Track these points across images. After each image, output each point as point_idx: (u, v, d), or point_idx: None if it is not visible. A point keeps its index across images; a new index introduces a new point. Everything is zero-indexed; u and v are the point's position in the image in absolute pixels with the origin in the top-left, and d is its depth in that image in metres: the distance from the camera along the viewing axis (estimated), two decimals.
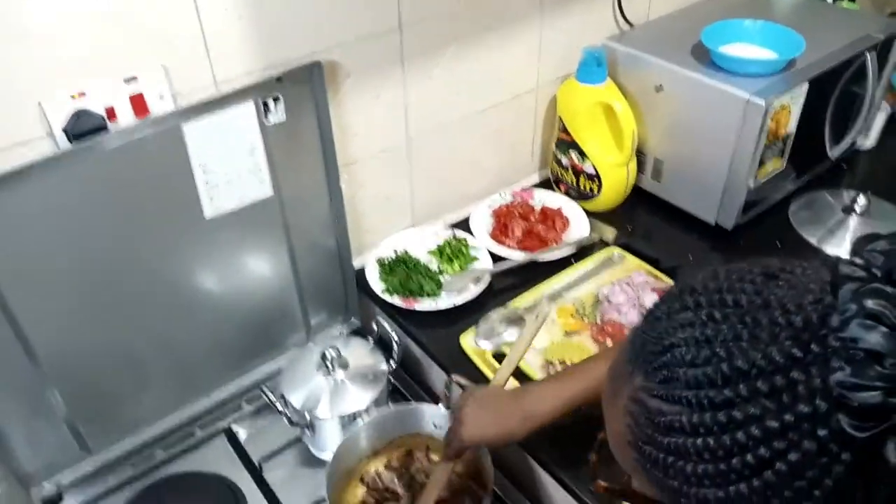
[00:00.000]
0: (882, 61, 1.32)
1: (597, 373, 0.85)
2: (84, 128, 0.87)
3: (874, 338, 0.32)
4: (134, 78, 0.90)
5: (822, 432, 0.34)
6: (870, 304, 0.33)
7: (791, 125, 1.22)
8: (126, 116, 0.91)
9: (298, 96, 1.02)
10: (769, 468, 0.35)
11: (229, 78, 0.98)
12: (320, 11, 1.01)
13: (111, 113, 0.90)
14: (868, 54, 1.27)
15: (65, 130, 0.87)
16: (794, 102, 1.18)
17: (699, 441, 0.38)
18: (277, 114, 1.02)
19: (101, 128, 0.88)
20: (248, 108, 0.99)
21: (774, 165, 1.25)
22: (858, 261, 0.36)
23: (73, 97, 0.87)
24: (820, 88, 1.23)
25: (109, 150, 0.89)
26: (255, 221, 1.07)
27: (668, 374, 0.40)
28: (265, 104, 1.00)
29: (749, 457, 0.36)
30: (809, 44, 1.22)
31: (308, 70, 1.01)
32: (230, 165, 1.01)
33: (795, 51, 1.19)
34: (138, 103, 0.91)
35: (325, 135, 1.07)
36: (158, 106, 0.93)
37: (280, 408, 1.06)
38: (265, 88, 0.98)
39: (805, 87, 1.18)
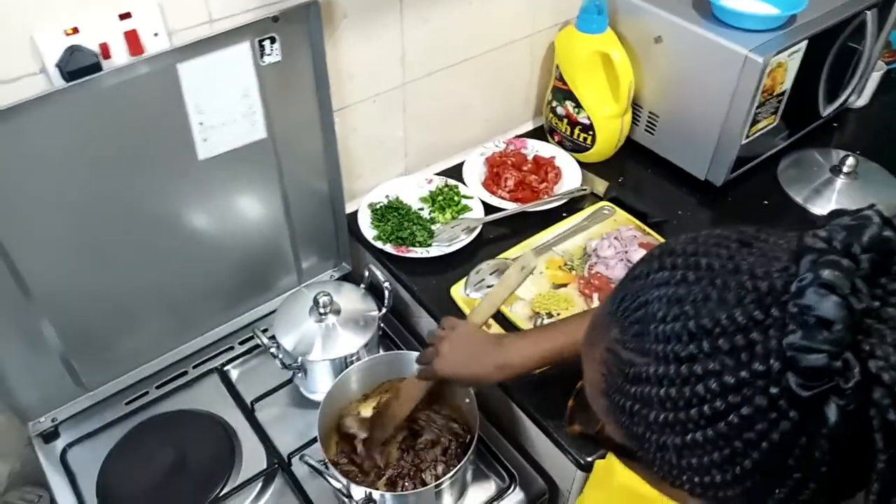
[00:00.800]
0: (882, 20, 1.32)
1: (577, 331, 0.86)
2: (78, 64, 0.85)
3: (826, 305, 0.35)
4: (128, 14, 0.88)
5: (773, 390, 0.36)
6: (825, 273, 0.36)
7: (787, 83, 1.22)
8: (120, 54, 0.89)
9: (294, 36, 1.00)
10: (723, 420, 0.38)
11: (225, 15, 0.96)
12: None
13: (105, 50, 0.88)
14: (868, 12, 1.26)
15: (58, 66, 0.85)
16: (791, 60, 1.18)
17: (662, 391, 0.40)
18: (273, 54, 1.00)
19: (94, 65, 0.86)
20: (243, 48, 0.97)
21: (767, 122, 1.26)
22: (822, 233, 0.38)
23: (66, 33, 0.84)
24: (818, 46, 1.23)
25: (103, 89, 0.87)
26: (248, 163, 1.07)
27: (640, 329, 0.42)
28: (261, 44, 0.98)
29: (706, 408, 0.39)
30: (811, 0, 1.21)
31: (305, 9, 0.99)
32: (225, 106, 0.99)
33: (797, 6, 1.18)
34: (133, 40, 0.89)
35: (321, 76, 1.06)
36: (153, 44, 0.91)
37: (273, 351, 1.08)
38: (261, 28, 0.96)
39: (804, 44, 1.18)
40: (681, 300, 0.41)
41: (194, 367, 1.19)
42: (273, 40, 0.98)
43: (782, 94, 1.23)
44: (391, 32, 1.14)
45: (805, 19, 1.21)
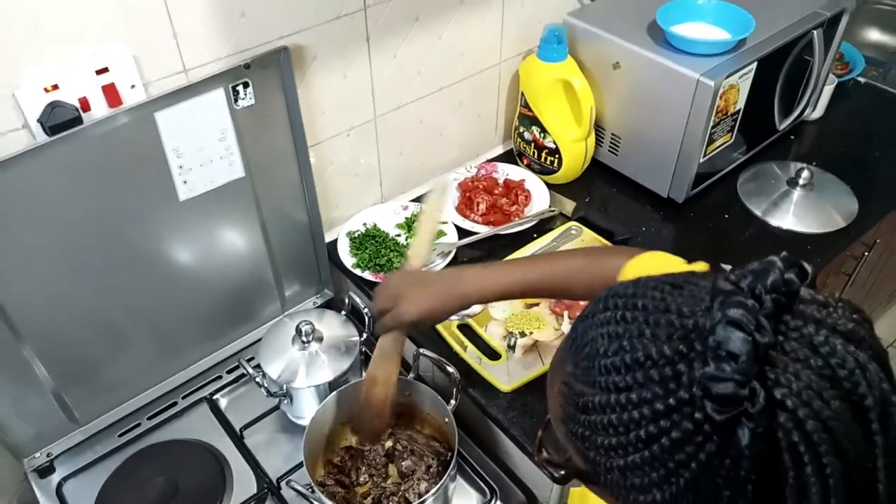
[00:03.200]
0: (829, 38, 1.38)
1: (535, 269, 0.90)
2: (59, 119, 0.89)
3: (733, 340, 0.39)
4: (105, 69, 0.93)
5: (697, 415, 0.41)
6: (731, 312, 0.40)
7: (740, 102, 1.28)
8: (99, 107, 0.94)
9: (267, 80, 1.05)
10: (656, 442, 0.43)
11: (198, 65, 1.01)
12: None
13: (84, 104, 0.93)
14: (815, 32, 1.33)
15: (40, 122, 0.90)
16: (742, 81, 1.24)
17: (606, 418, 0.45)
18: (247, 98, 1.05)
19: (75, 118, 0.91)
20: (218, 95, 1.02)
21: (724, 140, 1.32)
22: (732, 277, 0.43)
23: (46, 90, 0.89)
24: (769, 65, 1.29)
25: (85, 140, 0.92)
26: (227, 201, 1.12)
27: (588, 363, 0.47)
28: (234, 90, 1.03)
29: (641, 432, 0.43)
30: (760, 22, 1.27)
31: (275, 55, 1.04)
32: (202, 150, 1.04)
33: (745, 30, 1.25)
34: (111, 93, 0.94)
35: (294, 116, 1.11)
36: (130, 95, 0.96)
37: (258, 380, 1.12)
38: (234, 75, 1.01)
39: (754, 66, 1.24)
40: (619, 336, 0.45)
41: (184, 397, 1.24)
42: (246, 85, 1.04)
43: (736, 112, 1.29)
44: (360, 69, 1.20)
45: (754, 41, 1.27)
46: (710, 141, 1.28)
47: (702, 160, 1.29)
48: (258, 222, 1.18)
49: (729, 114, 1.27)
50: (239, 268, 1.21)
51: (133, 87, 0.97)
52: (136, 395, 1.20)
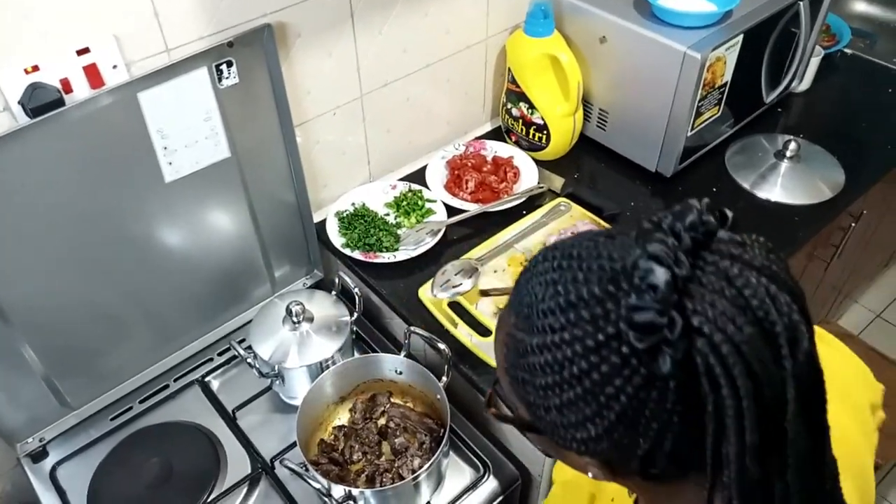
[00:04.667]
0: (815, 8, 1.38)
1: None
2: (40, 101, 0.88)
3: (653, 273, 0.42)
4: (86, 49, 0.91)
5: (624, 350, 0.44)
6: (651, 247, 0.43)
7: (727, 75, 1.28)
8: (81, 88, 0.93)
9: (251, 59, 1.04)
10: (588, 377, 0.45)
11: (181, 44, 1.00)
12: None
13: (66, 85, 0.91)
14: (801, 3, 1.32)
15: (21, 104, 0.88)
16: (729, 53, 1.24)
17: (542, 358, 0.48)
18: (231, 77, 1.04)
19: (57, 100, 0.89)
20: (201, 74, 1.00)
21: (711, 113, 1.32)
22: (654, 218, 0.46)
23: (26, 71, 0.88)
24: (755, 37, 1.29)
25: (67, 122, 0.90)
26: (214, 182, 1.11)
27: (528, 311, 0.49)
28: (218, 69, 1.02)
29: (574, 368, 0.46)
30: None
31: (259, 33, 1.03)
32: (187, 130, 1.03)
33: (732, 2, 1.24)
34: (92, 74, 0.93)
35: (279, 95, 1.10)
36: (112, 76, 0.95)
37: (250, 361, 1.12)
38: (217, 53, 1.00)
39: (740, 38, 1.24)
40: (555, 282, 0.48)
41: (175, 380, 1.24)
42: (230, 64, 1.02)
43: (724, 85, 1.29)
44: (345, 47, 1.19)
45: (741, 13, 1.27)
46: (698, 114, 1.28)
47: (689, 134, 1.29)
48: (246, 203, 1.17)
49: (716, 87, 1.27)
50: (228, 249, 1.20)
51: (115, 67, 0.96)
52: (127, 378, 1.20)
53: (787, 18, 1.34)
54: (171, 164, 1.04)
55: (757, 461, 0.44)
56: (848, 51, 1.72)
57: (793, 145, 1.37)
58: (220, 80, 1.03)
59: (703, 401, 0.43)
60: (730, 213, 0.47)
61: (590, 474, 0.54)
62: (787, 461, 0.45)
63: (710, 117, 1.32)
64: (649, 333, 0.42)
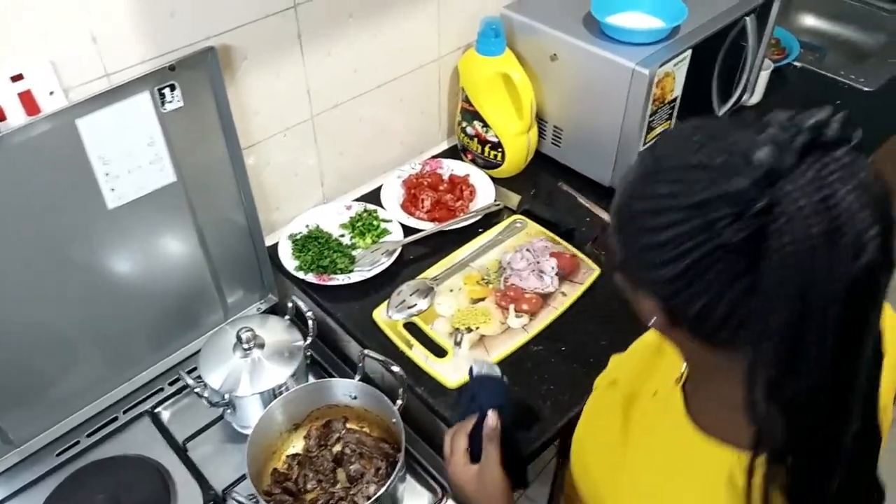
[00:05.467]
0: (762, 23, 1.40)
1: None
2: None
3: (758, 151, 0.48)
4: (20, 76, 0.89)
5: (711, 215, 0.50)
6: (769, 131, 0.49)
7: (677, 90, 1.29)
8: (16, 115, 0.90)
9: (194, 82, 1.02)
10: (673, 229, 0.52)
11: (121, 68, 0.98)
12: None
13: (0, 112, 0.89)
14: (747, 18, 1.35)
15: None
16: (678, 69, 1.25)
17: (644, 205, 0.55)
18: (174, 101, 1.02)
19: None
20: (143, 99, 0.98)
21: (663, 127, 1.33)
22: (782, 112, 0.51)
23: None
24: (704, 52, 1.30)
25: (3, 150, 0.88)
26: (160, 207, 1.08)
27: (651, 165, 0.56)
28: (161, 93, 1.00)
29: (665, 219, 0.52)
30: (694, 10, 1.28)
31: (202, 56, 1.01)
32: (130, 156, 1.01)
33: (679, 18, 1.26)
34: (28, 101, 0.90)
35: (225, 118, 1.08)
36: (49, 102, 0.93)
37: (198, 390, 1.10)
38: (159, 77, 0.98)
39: (688, 53, 1.26)
40: (681, 146, 0.54)
41: (125, 411, 1.20)
42: (173, 88, 1.01)
43: (674, 100, 1.30)
44: (294, 69, 1.18)
45: (688, 29, 1.28)
46: (650, 129, 1.29)
47: (642, 149, 1.30)
48: (194, 228, 1.15)
49: (666, 101, 1.28)
50: (177, 276, 1.18)
51: (52, 93, 0.93)
52: (74, 411, 1.16)
53: (735, 33, 1.36)
54: (113, 190, 1.02)
55: (797, 338, 0.48)
56: (798, 64, 1.75)
57: None
58: (163, 104, 1.01)
59: (761, 277, 0.48)
60: (857, 135, 0.49)
61: (653, 320, 0.60)
62: (826, 347, 0.49)
63: (662, 131, 1.33)
64: (734, 203, 0.48)
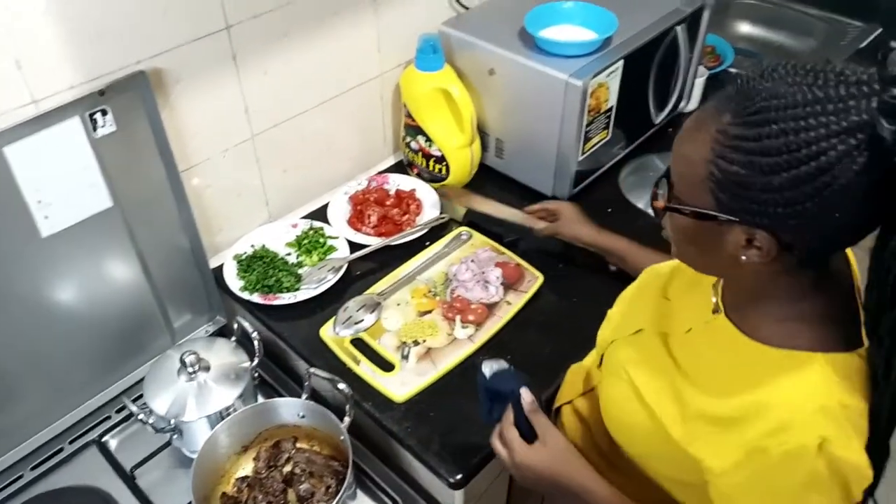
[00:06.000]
0: (693, 32, 1.45)
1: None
2: None
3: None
4: None
5: (859, 136, 0.56)
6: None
7: (611, 100, 1.32)
8: None
9: (127, 106, 1.02)
10: (825, 156, 0.57)
11: (49, 94, 0.97)
12: (140, 21, 1.01)
13: None
14: (678, 28, 1.39)
15: None
16: (611, 79, 1.28)
17: (777, 142, 0.59)
18: (106, 126, 1.01)
19: None
20: (73, 124, 0.98)
21: (600, 137, 1.36)
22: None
23: None
24: (638, 62, 1.34)
25: None
26: (97, 233, 1.07)
27: (760, 107, 0.60)
28: (92, 118, 0.99)
29: (814, 149, 0.57)
30: (626, 21, 1.32)
31: (133, 80, 1.01)
32: (63, 182, 1.00)
33: (609, 30, 1.29)
34: None
35: (161, 141, 1.08)
36: None
37: (142, 417, 1.08)
38: (89, 102, 0.98)
39: (620, 64, 1.29)
40: (797, 84, 0.60)
41: (70, 441, 1.18)
42: (104, 112, 1.00)
43: (609, 110, 1.33)
44: (230, 89, 1.18)
45: (620, 40, 1.32)
46: (587, 139, 1.31)
47: (580, 158, 1.33)
48: (135, 253, 1.14)
49: (602, 111, 1.31)
50: (120, 302, 1.16)
51: None
52: (17, 444, 1.14)
53: (668, 43, 1.40)
54: (47, 217, 1.01)
55: None
56: (733, 70, 1.81)
57: None
58: (95, 128, 1.00)
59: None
60: None
61: (743, 258, 0.66)
62: None
63: (599, 141, 1.36)
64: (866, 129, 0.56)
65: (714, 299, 0.78)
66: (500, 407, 0.88)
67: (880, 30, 1.91)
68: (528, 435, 0.85)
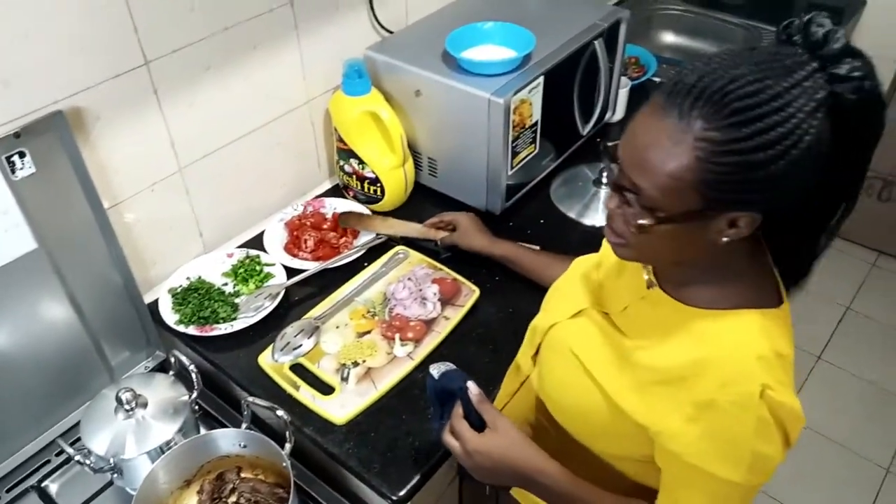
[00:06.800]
0: (611, 46, 1.50)
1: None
2: None
3: (826, 21, 0.66)
4: None
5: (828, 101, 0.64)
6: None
7: (536, 114, 1.36)
8: None
9: (45, 147, 1.01)
10: (806, 126, 0.64)
11: None
12: (55, 61, 1.01)
13: None
14: (596, 42, 1.44)
15: None
16: (533, 95, 1.32)
17: (758, 126, 0.63)
18: (25, 168, 1.00)
19: None
20: None
21: (528, 151, 1.40)
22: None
23: None
24: (559, 77, 1.38)
25: None
26: (24, 276, 1.06)
27: (729, 106, 0.63)
28: (10, 160, 0.98)
29: (794, 122, 0.63)
30: (545, 38, 1.36)
31: (49, 121, 1.00)
32: None
33: (528, 47, 1.33)
34: None
35: (84, 179, 1.07)
36: None
37: (79, 458, 1.07)
38: (5, 145, 0.97)
39: (541, 80, 1.33)
40: (740, 76, 0.64)
41: (7, 490, 1.15)
42: (22, 154, 0.99)
43: (534, 124, 1.37)
44: (153, 124, 1.18)
45: (539, 57, 1.36)
46: (515, 154, 1.35)
47: (510, 172, 1.36)
48: (65, 293, 1.12)
49: (527, 126, 1.35)
50: (54, 344, 1.14)
51: None
52: None
53: (587, 57, 1.45)
54: None
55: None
56: (657, 79, 1.87)
57: (607, 172, 1.46)
58: (13, 171, 0.99)
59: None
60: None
61: (724, 239, 0.70)
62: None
63: (528, 155, 1.40)
64: (851, 56, 0.64)
65: (647, 276, 0.83)
66: (450, 409, 0.90)
67: None
68: (479, 425, 0.87)
